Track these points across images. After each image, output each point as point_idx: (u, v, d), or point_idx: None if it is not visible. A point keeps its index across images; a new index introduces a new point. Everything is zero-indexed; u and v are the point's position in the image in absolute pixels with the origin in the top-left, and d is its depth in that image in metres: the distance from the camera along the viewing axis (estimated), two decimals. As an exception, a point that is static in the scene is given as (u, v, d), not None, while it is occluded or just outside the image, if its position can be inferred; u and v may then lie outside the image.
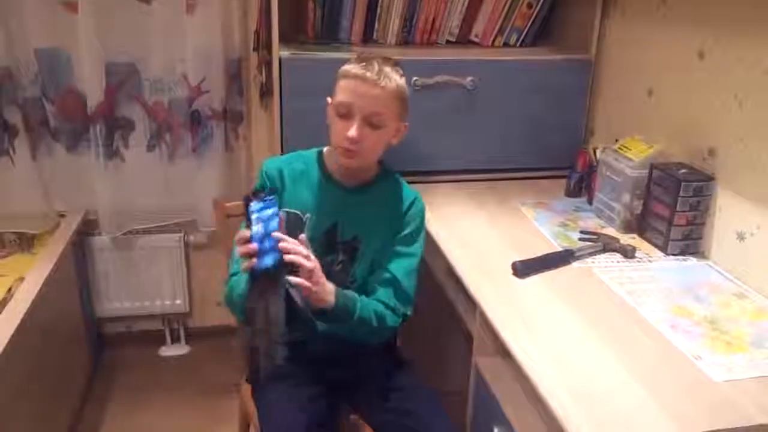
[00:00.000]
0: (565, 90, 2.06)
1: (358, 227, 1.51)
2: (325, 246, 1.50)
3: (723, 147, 1.57)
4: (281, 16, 1.87)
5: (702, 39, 1.62)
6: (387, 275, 1.50)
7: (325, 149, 1.56)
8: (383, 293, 1.49)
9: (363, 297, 1.46)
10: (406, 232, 1.53)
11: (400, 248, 1.52)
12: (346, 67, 1.44)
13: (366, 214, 1.52)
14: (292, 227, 1.45)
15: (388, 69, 1.43)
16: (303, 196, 1.51)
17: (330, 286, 1.37)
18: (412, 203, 1.55)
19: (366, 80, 1.40)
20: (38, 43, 2.17)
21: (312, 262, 1.30)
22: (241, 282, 1.41)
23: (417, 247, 1.55)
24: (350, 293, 1.43)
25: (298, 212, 1.50)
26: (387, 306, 1.48)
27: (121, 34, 2.21)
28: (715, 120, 1.59)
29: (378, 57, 1.46)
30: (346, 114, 1.42)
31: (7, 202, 2.29)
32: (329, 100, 1.49)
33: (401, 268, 1.51)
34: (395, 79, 1.44)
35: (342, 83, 1.44)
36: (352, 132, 1.40)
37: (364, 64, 1.42)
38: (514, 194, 1.97)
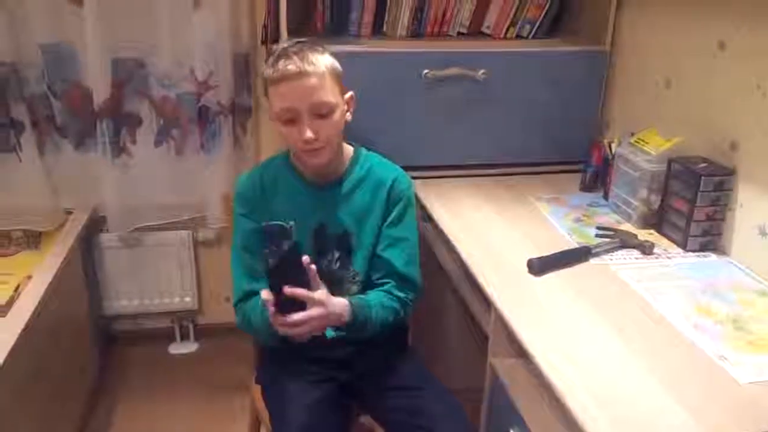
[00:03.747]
0: (579, 82, 2.02)
1: (346, 221, 1.48)
2: (317, 247, 1.48)
3: (745, 140, 1.53)
4: (289, 10, 1.84)
5: (722, 27, 1.58)
6: (386, 268, 1.48)
7: (291, 152, 1.51)
8: (387, 286, 1.47)
9: (372, 297, 1.44)
10: (394, 215, 1.50)
11: (392, 233, 1.50)
12: (268, 72, 1.37)
13: (350, 205, 1.49)
14: (277, 237, 1.47)
15: (308, 53, 1.36)
16: (283, 205, 1.48)
17: (342, 305, 1.36)
18: (393, 183, 1.50)
19: (293, 76, 1.33)
20: (43, 38, 2.14)
21: (318, 308, 1.29)
22: (257, 308, 1.41)
23: (410, 228, 1.52)
24: (362, 301, 1.42)
25: (282, 222, 1.47)
26: (397, 299, 1.47)
27: (128, 28, 2.18)
28: (737, 112, 1.54)
29: (291, 46, 1.38)
30: (291, 118, 1.36)
31: (14, 199, 2.27)
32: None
33: (398, 256, 1.49)
34: (319, 58, 1.36)
35: (272, 91, 1.37)
36: (308, 134, 1.35)
37: (282, 60, 1.34)
38: (528, 189, 1.94)
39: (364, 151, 1.54)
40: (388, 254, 1.49)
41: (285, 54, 1.35)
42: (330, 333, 1.50)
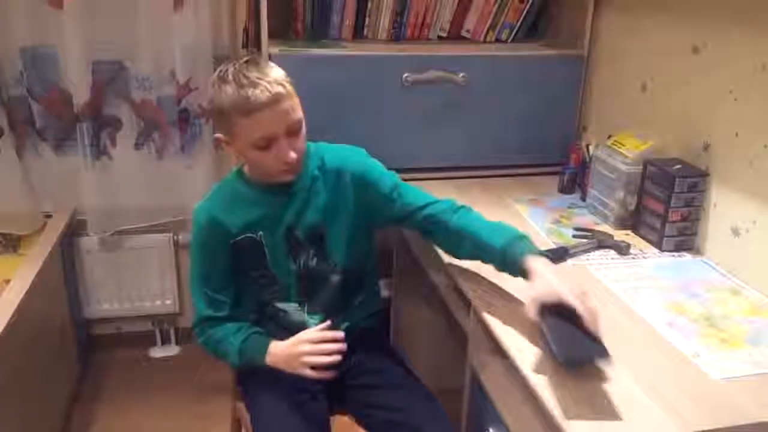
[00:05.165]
0: (557, 85, 2.05)
1: (313, 217, 1.47)
2: (292, 249, 1.48)
3: (718, 142, 1.56)
4: (270, 13, 1.84)
5: (696, 33, 1.61)
6: (436, 217, 1.44)
7: (245, 168, 1.47)
8: (440, 212, 1.44)
9: (484, 233, 1.37)
10: (384, 192, 1.46)
11: (404, 202, 1.46)
12: (235, 102, 1.27)
13: (313, 201, 1.46)
14: (251, 252, 1.47)
15: (271, 75, 1.30)
16: (244, 219, 1.45)
17: None
18: (354, 172, 1.47)
19: (269, 102, 1.27)
20: (23, 40, 2.13)
21: None
22: (227, 337, 1.47)
23: (394, 180, 1.49)
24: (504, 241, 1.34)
25: (250, 235, 1.46)
26: (455, 207, 1.45)
27: (108, 31, 2.17)
28: (710, 115, 1.58)
29: (245, 70, 1.29)
30: (267, 144, 1.32)
31: (-7, 203, 2.25)
32: (220, 136, 1.37)
33: (415, 196, 1.47)
34: (280, 78, 1.31)
35: (241, 121, 1.29)
36: (292, 155, 1.33)
37: (249, 89, 1.26)
38: (507, 191, 1.96)
39: (312, 145, 1.48)
40: (410, 203, 1.46)
41: (247, 80, 1.28)
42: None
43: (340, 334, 1.37)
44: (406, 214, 1.47)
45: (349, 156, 1.50)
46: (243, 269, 1.51)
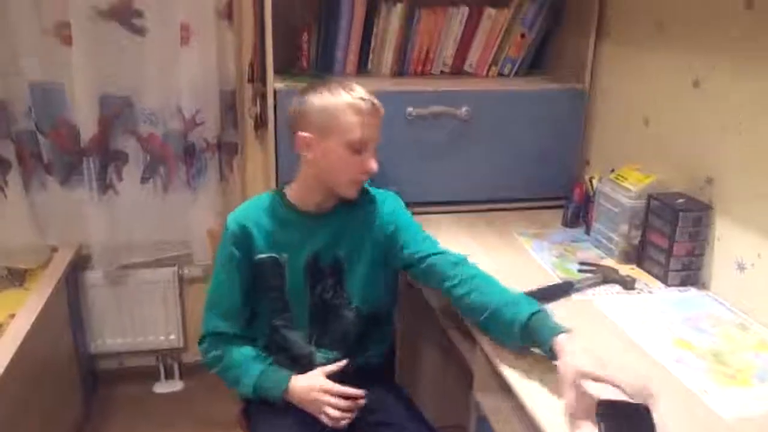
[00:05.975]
0: (560, 119, 2.06)
1: (338, 250, 1.49)
2: (311, 278, 1.49)
3: (721, 176, 1.56)
4: (276, 48, 1.87)
5: (696, 67, 1.62)
6: (429, 261, 1.45)
7: (287, 188, 1.52)
8: (449, 269, 1.43)
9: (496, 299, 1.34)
10: (405, 238, 1.49)
11: (413, 246, 1.48)
12: (353, 102, 1.39)
13: (342, 235, 1.50)
14: (271, 273, 1.48)
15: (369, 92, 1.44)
16: (274, 236, 1.48)
17: None
18: (386, 217, 1.51)
19: (375, 112, 1.41)
20: (31, 75, 2.15)
21: None
22: (243, 364, 1.48)
23: (419, 231, 1.52)
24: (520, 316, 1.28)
25: (274, 255, 1.48)
26: (460, 261, 1.45)
27: (116, 66, 2.20)
28: (713, 148, 1.58)
29: (349, 84, 1.43)
30: (359, 149, 1.41)
31: (-1, 237, 2.26)
32: (306, 135, 1.41)
33: (430, 244, 1.49)
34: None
35: (353, 119, 1.39)
36: (374, 166, 1.43)
37: (366, 95, 1.41)
38: (511, 225, 1.96)
39: None
40: (424, 251, 1.47)
41: (354, 90, 1.40)
42: (319, 359, 1.52)
43: (361, 393, 1.40)
44: (410, 262, 1.48)
45: (384, 200, 1.55)
46: (260, 289, 1.51)
